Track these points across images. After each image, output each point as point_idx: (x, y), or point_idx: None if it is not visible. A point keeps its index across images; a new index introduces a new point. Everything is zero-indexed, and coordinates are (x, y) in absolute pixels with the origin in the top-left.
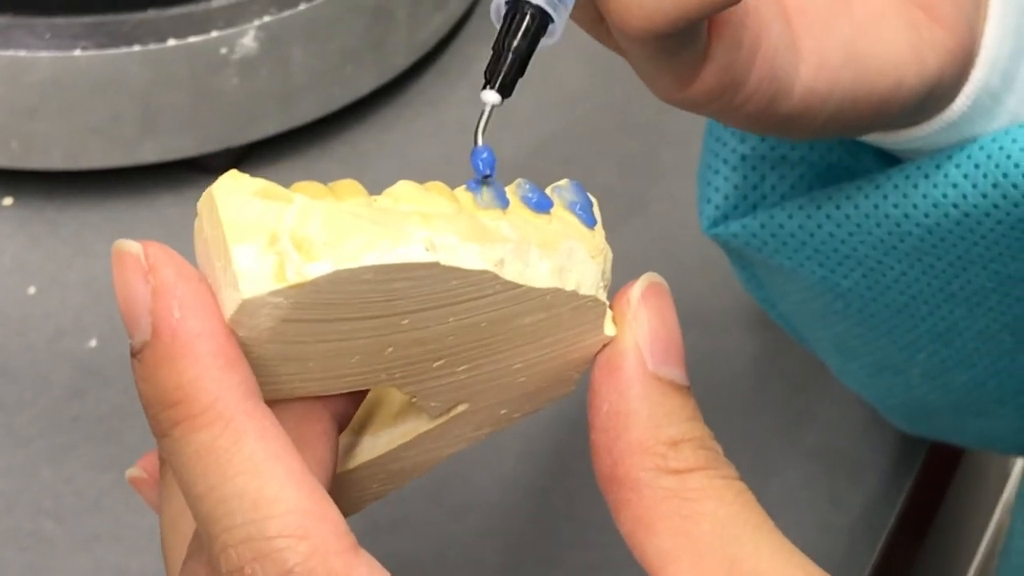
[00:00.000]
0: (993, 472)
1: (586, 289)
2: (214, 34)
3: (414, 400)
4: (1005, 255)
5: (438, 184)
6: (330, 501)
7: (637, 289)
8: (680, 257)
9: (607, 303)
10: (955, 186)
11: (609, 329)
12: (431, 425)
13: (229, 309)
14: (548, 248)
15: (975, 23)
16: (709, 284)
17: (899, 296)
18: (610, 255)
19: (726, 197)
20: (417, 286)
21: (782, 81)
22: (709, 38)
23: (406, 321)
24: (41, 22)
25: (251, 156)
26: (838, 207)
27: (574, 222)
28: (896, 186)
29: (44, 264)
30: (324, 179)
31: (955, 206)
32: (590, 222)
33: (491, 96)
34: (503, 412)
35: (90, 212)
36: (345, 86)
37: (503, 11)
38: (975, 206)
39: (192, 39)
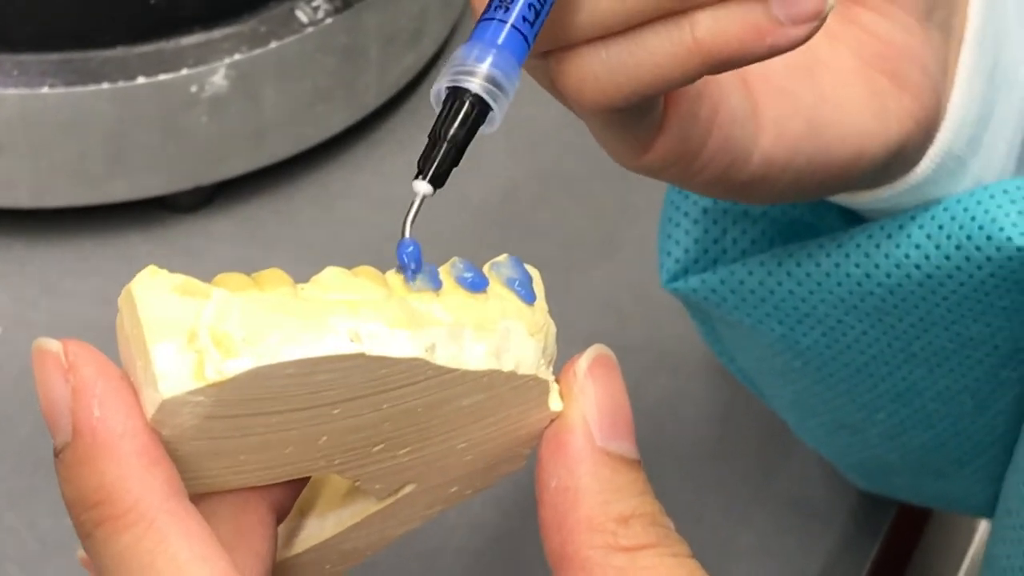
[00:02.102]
0: (964, 522)
1: (525, 368)
2: (184, 72)
3: (358, 484)
4: (967, 317)
5: (367, 269)
6: None
7: (583, 362)
8: (652, 300)
9: (551, 379)
10: (918, 247)
11: (555, 404)
12: (380, 506)
13: (150, 409)
14: (484, 329)
15: (941, 88)
16: (681, 328)
17: (859, 356)
18: (553, 330)
19: (686, 251)
20: (344, 377)
21: (739, 151)
22: (665, 108)
23: (337, 411)
24: (8, 59)
25: (221, 195)
26: (799, 264)
27: (513, 299)
28: (858, 245)
29: (10, 303)
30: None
31: (917, 267)
32: (529, 298)
33: (423, 187)
34: (453, 490)
35: (58, 251)
36: (316, 125)
37: (443, 96)
38: (937, 267)
39: (162, 77)
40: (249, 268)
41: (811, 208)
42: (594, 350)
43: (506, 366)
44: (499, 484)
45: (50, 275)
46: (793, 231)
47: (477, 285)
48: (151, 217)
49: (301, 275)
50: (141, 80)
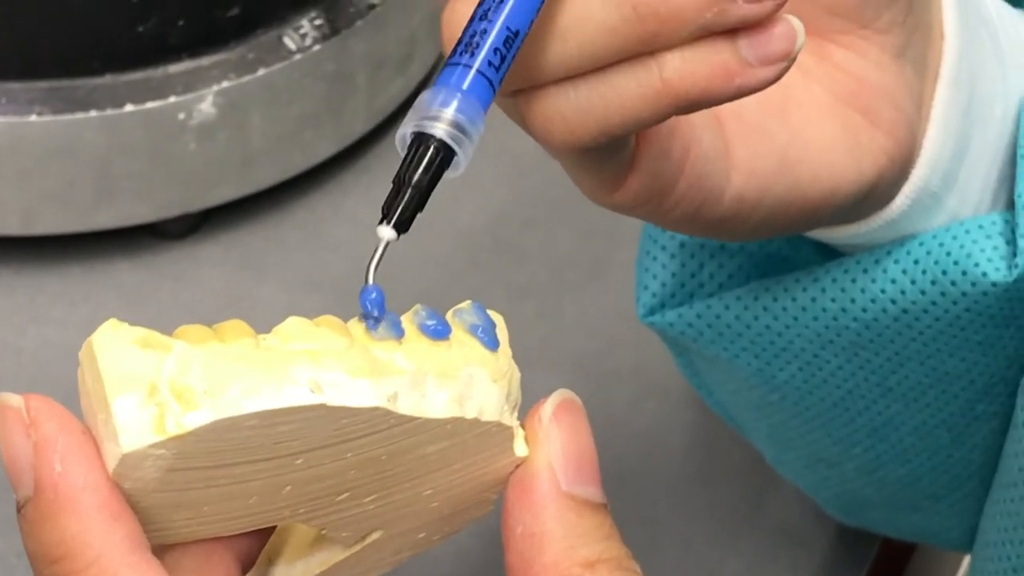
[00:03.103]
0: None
1: (488, 415)
2: (172, 99)
3: (324, 532)
4: (943, 352)
5: (329, 318)
6: None
7: (548, 407)
8: (641, 325)
9: (515, 425)
10: (894, 281)
11: (521, 449)
12: (347, 553)
13: (111, 463)
14: (446, 376)
15: (916, 124)
16: (669, 353)
17: (835, 390)
18: (517, 375)
19: (663, 284)
20: (306, 427)
21: (711, 189)
22: (637, 146)
23: (300, 460)
24: None
25: (209, 221)
26: (775, 299)
27: (476, 346)
28: (834, 280)
29: None
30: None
31: (893, 302)
32: (492, 345)
33: (387, 232)
34: (421, 536)
35: (45, 278)
36: (304, 151)
37: (408, 141)
38: (913, 302)
39: (149, 104)
40: (238, 294)
41: (788, 242)
42: (559, 395)
43: (469, 413)
44: (488, 514)
45: (38, 302)
46: (770, 265)
47: (440, 333)
48: (139, 244)
49: (290, 301)
50: (129, 108)
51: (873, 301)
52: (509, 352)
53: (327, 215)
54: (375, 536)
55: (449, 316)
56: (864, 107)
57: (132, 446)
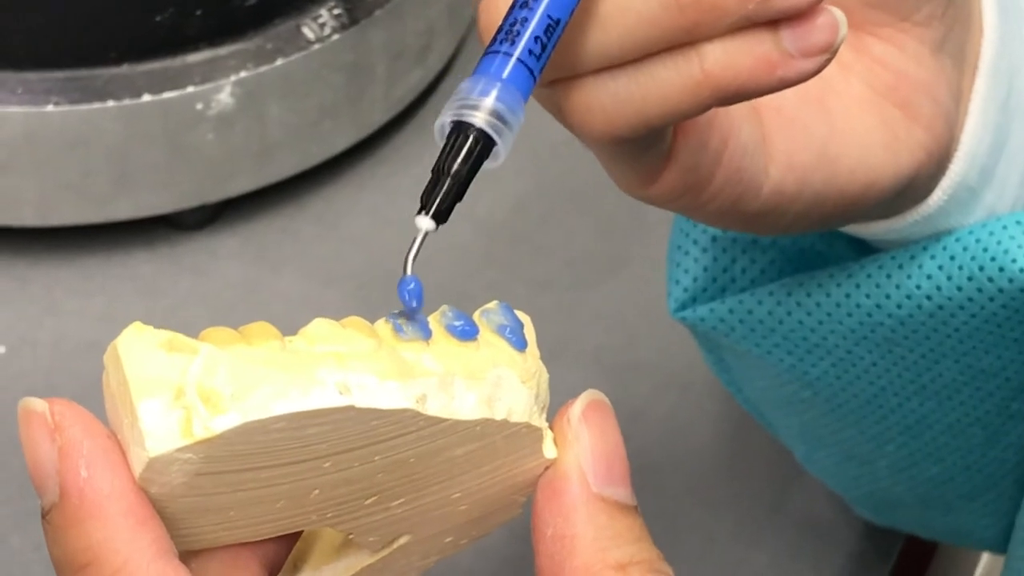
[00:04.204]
0: None
1: (517, 416)
2: (190, 89)
3: (351, 536)
4: (978, 349)
5: (356, 320)
6: None
7: (577, 408)
8: (661, 317)
9: (544, 426)
10: (929, 277)
11: (550, 451)
12: (374, 558)
13: (138, 467)
14: (475, 378)
15: (954, 119)
16: (691, 346)
17: (868, 387)
18: (545, 376)
19: (695, 279)
20: (334, 430)
21: (749, 182)
22: (674, 138)
23: (328, 464)
24: (13, 77)
25: (226, 212)
26: (809, 295)
27: (504, 347)
28: (869, 276)
29: (14, 323)
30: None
31: (928, 298)
32: (520, 345)
33: (426, 223)
34: (448, 540)
35: (62, 269)
36: (322, 142)
37: (447, 131)
38: (949, 298)
39: (167, 94)
40: (254, 286)
41: (821, 237)
42: (588, 395)
43: (498, 414)
44: (515, 516)
45: (54, 294)
46: (803, 260)
47: (467, 333)
48: (156, 235)
49: (306, 293)
50: (146, 98)
51: (908, 297)
52: (537, 352)
53: (344, 207)
54: (403, 540)
55: (476, 316)
56: (902, 101)
57: (159, 450)
